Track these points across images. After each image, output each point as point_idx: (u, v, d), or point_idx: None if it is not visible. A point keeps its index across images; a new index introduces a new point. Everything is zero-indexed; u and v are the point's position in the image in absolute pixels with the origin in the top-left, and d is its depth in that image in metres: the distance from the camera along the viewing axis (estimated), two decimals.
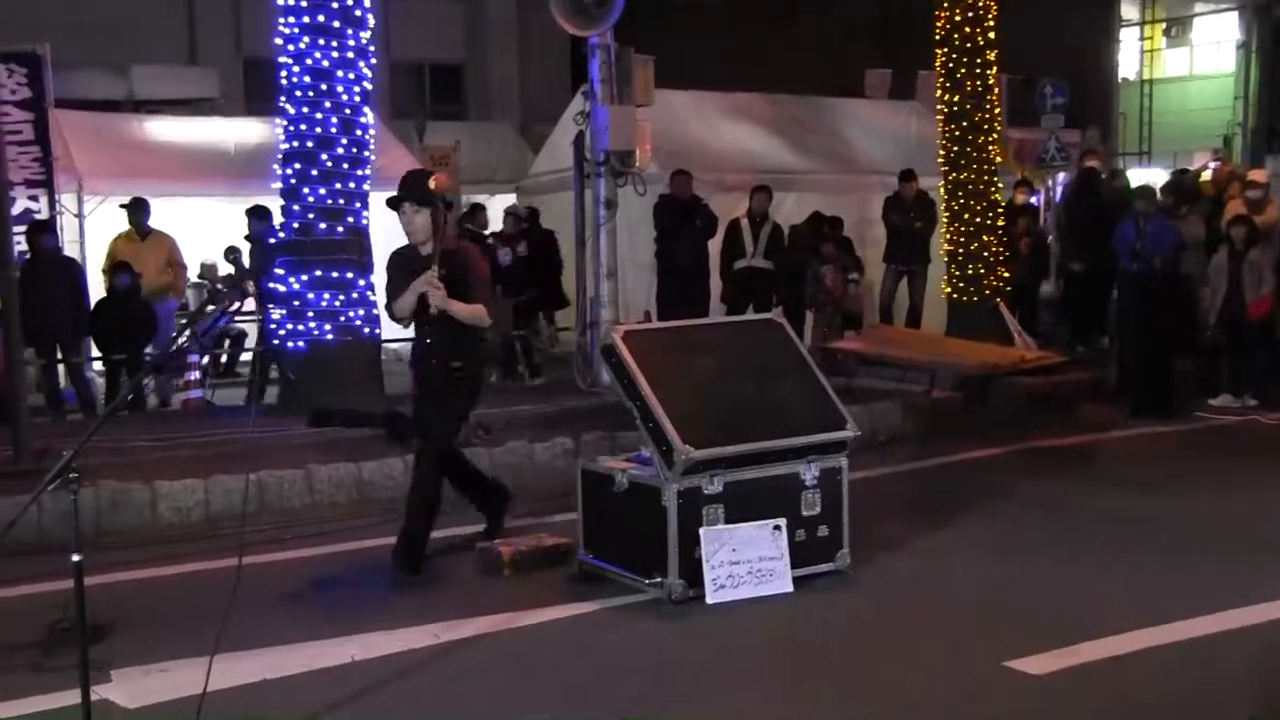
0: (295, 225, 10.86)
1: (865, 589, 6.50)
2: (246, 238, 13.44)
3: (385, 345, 11.80)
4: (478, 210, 16.66)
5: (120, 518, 8.13)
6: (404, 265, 6.89)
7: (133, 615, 6.10)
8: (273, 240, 12.36)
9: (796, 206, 15.42)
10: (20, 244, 11.77)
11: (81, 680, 4.15)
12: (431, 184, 6.76)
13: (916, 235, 14.83)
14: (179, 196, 14.56)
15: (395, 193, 6.86)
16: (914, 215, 14.79)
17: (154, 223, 13.49)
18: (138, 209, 13.35)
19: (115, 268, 12.61)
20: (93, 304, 12.57)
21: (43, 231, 12.50)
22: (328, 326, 10.71)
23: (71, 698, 4.63)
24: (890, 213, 14.97)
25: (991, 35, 13.91)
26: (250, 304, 13.45)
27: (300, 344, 10.76)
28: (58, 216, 13.63)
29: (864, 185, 16.28)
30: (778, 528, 6.38)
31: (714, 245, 13.97)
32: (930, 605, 6.25)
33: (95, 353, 12.59)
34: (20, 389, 9.05)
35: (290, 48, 10.72)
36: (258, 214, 13.09)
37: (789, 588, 6.34)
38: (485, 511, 7.56)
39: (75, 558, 4.08)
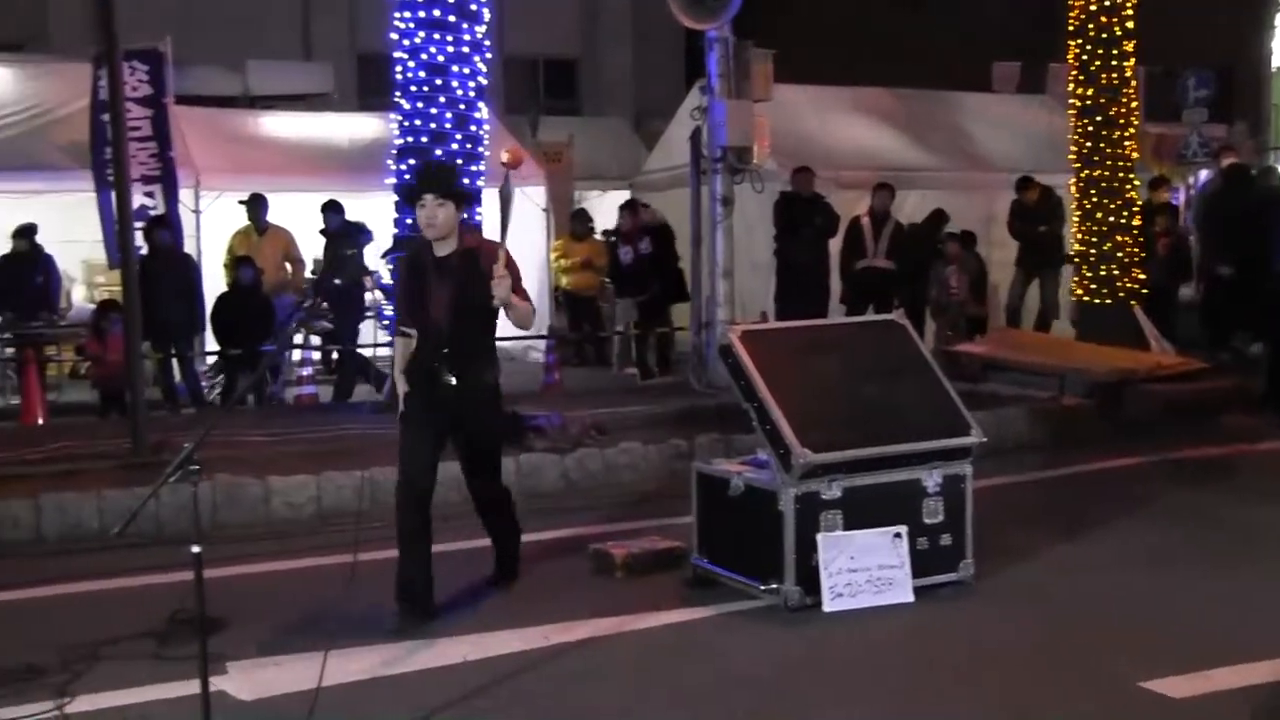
0: (409, 222, 11.02)
1: (989, 601, 6.44)
2: (322, 232, 13.66)
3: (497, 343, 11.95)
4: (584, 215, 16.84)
5: (234, 512, 8.35)
6: (418, 271, 6.21)
7: (248, 609, 6.27)
8: (335, 231, 12.64)
9: (919, 205, 15.33)
10: (138, 240, 12.11)
11: (201, 671, 4.29)
12: (505, 157, 6.03)
13: (1045, 240, 14.65)
14: (293, 192, 14.87)
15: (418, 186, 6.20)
16: (1039, 220, 14.62)
17: (269, 218, 13.84)
18: (256, 205, 13.69)
19: (238, 262, 12.94)
20: (210, 299, 12.92)
21: (160, 227, 12.89)
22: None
23: (189, 688, 4.81)
24: (1014, 221, 14.82)
25: (1130, 25, 13.66)
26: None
27: None
28: (177, 213, 13.98)
29: (990, 183, 16.12)
30: (898, 535, 6.36)
31: (834, 244, 13.94)
32: (1059, 619, 6.18)
33: (212, 346, 12.93)
34: (139, 382, 9.34)
35: (405, 42, 10.90)
36: (333, 208, 13.32)
37: (909, 597, 6.32)
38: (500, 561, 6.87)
39: (195, 549, 4.22)
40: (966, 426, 6.62)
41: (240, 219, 13.97)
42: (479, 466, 6.50)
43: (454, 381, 6.12)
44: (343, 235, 13.14)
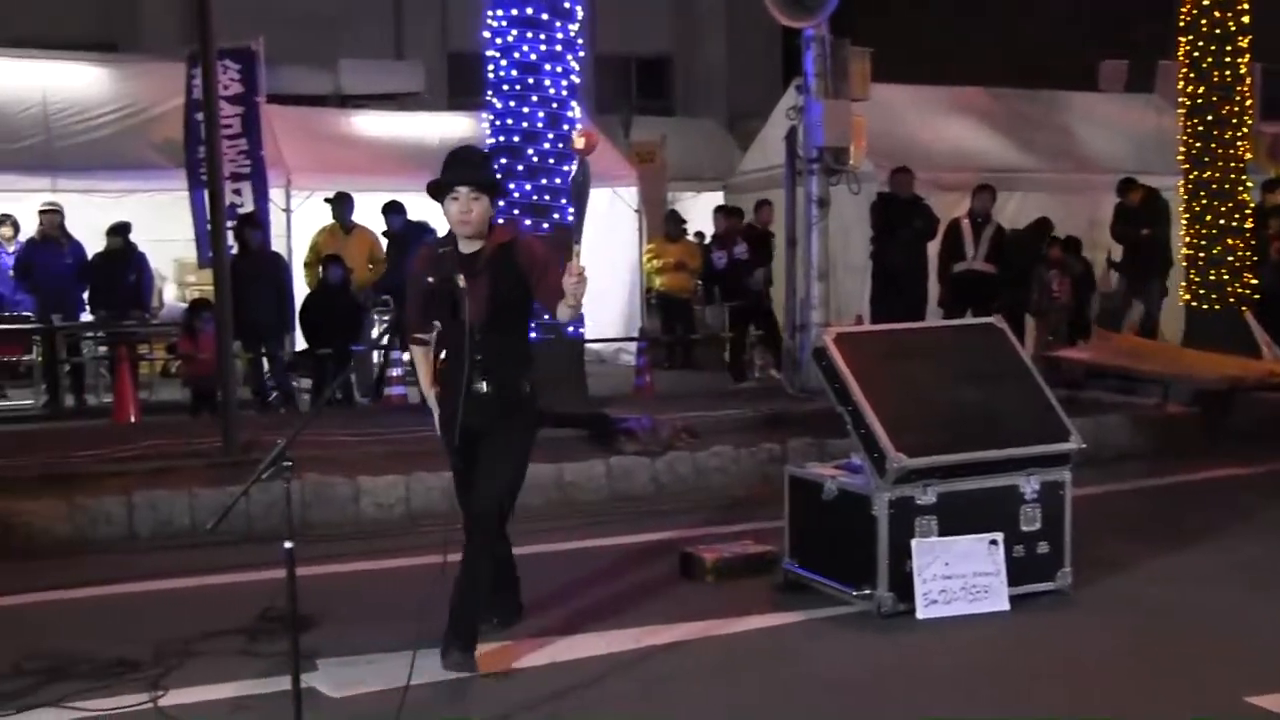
0: (500, 221, 11.14)
1: (1088, 611, 6.40)
2: (385, 234, 13.80)
3: (588, 345, 12.06)
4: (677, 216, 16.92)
5: (324, 511, 8.51)
6: (440, 272, 5.57)
7: (337, 607, 6.40)
8: (399, 231, 12.76)
9: (1021, 207, 15.22)
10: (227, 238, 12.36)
11: (293, 667, 4.40)
12: (580, 142, 5.57)
13: (1150, 243, 14.47)
14: (384, 192, 15.06)
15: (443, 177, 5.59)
16: (1143, 223, 14.44)
17: (357, 217, 14.04)
18: (341, 204, 13.91)
19: (327, 261, 13.15)
20: (299, 298, 13.16)
21: (250, 226, 13.14)
22: (531, 324, 10.95)
23: (279, 684, 4.94)
24: (1117, 224, 14.66)
25: (1245, 20, 13.47)
26: None
27: None
28: (266, 211, 14.25)
29: (1095, 185, 15.97)
30: (994, 542, 6.34)
31: (932, 248, 13.88)
32: (1160, 630, 6.13)
33: (300, 346, 13.17)
34: (231, 381, 9.55)
35: (498, 41, 11.03)
36: (395, 209, 13.44)
37: (1005, 606, 6.29)
38: (497, 606, 6.07)
39: (287, 544, 4.33)
40: (1066, 432, 6.58)
41: (329, 218, 14.18)
42: (489, 472, 5.59)
43: (486, 390, 5.54)
44: (406, 236, 13.26)
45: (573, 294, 5.34)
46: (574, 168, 5.74)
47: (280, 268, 13.16)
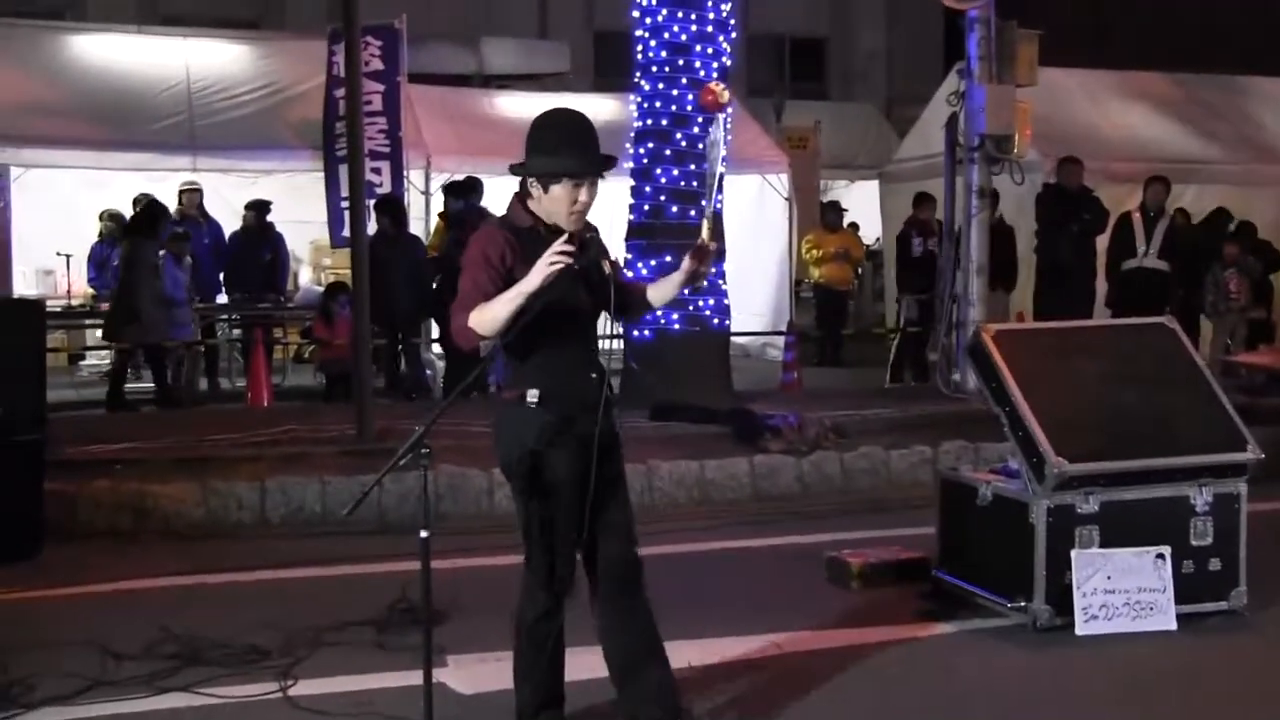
0: (646, 208, 11.21)
1: (1265, 634, 6.25)
2: (441, 215, 13.86)
3: (733, 339, 12.07)
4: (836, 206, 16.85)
5: (457, 503, 8.65)
6: (528, 250, 4.58)
7: (469, 602, 6.48)
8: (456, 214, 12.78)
9: (1198, 200, 14.88)
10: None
11: (425, 661, 4.47)
12: (707, 98, 5.20)
13: None
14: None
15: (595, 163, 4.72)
16: None
17: (495, 203, 14.16)
18: (469, 190, 14.06)
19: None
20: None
21: (387, 209, 13.27)
22: (675, 315, 11.00)
23: (409, 678, 5.02)
24: None
25: None
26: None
27: (646, 333, 11.07)
28: (404, 193, 14.43)
29: None
30: (1161, 556, 6.22)
31: (1100, 243, 13.64)
32: None
33: (436, 334, 13.35)
34: (366, 368, 9.75)
35: (647, 20, 11.09)
36: (456, 190, 13.42)
37: (1172, 625, 6.17)
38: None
39: (423, 533, 4.40)
40: (1243, 441, 6.44)
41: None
42: (620, 520, 4.85)
43: (603, 409, 4.70)
44: (465, 219, 13.36)
45: (694, 272, 4.70)
46: (708, 127, 5.46)
47: (419, 251, 13.26)
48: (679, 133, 11.06)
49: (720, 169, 5.23)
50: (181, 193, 14.37)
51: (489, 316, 4.50)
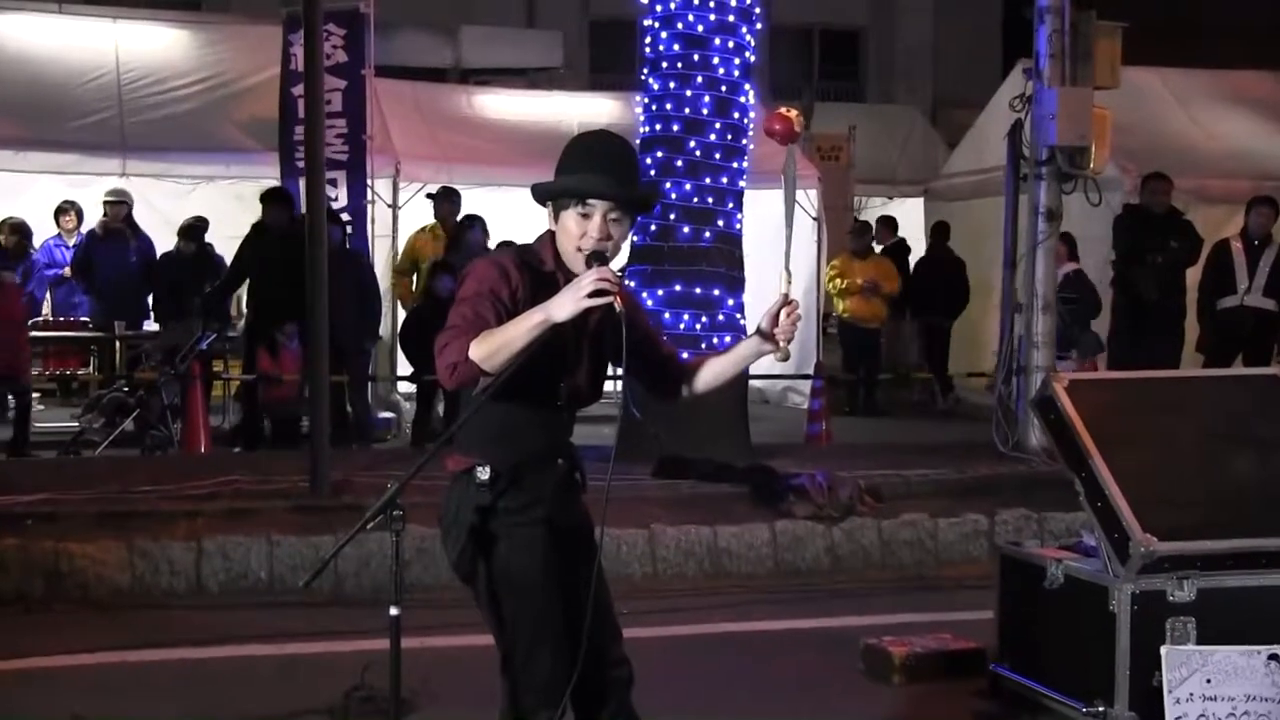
0: (652, 228, 11.16)
1: None
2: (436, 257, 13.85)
3: (751, 383, 12.03)
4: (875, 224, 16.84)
5: (424, 571, 8.48)
6: (540, 298, 4.21)
7: (438, 687, 6.41)
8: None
9: None
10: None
11: None
12: (779, 123, 5.47)
13: None
14: (511, 186, 15.13)
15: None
16: None
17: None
18: (446, 200, 14.03)
19: (435, 270, 13.22)
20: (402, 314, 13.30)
21: (330, 221, 13.03)
22: (684, 355, 10.96)
23: None
24: None
25: None
26: None
27: None
28: (366, 204, 14.29)
29: None
30: (1275, 658, 6.14)
31: (1192, 275, 13.64)
32: None
33: (405, 370, 13.30)
34: (322, 409, 9.66)
35: (658, 9, 11.09)
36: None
37: None
38: None
39: (393, 610, 4.35)
40: None
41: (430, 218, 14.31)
42: (611, 621, 4.75)
43: (580, 484, 4.67)
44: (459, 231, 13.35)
45: (785, 336, 4.48)
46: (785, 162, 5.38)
47: (363, 270, 13.13)
48: (693, 140, 11.02)
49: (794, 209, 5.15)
50: (106, 204, 14.28)
51: (499, 344, 4.12)
